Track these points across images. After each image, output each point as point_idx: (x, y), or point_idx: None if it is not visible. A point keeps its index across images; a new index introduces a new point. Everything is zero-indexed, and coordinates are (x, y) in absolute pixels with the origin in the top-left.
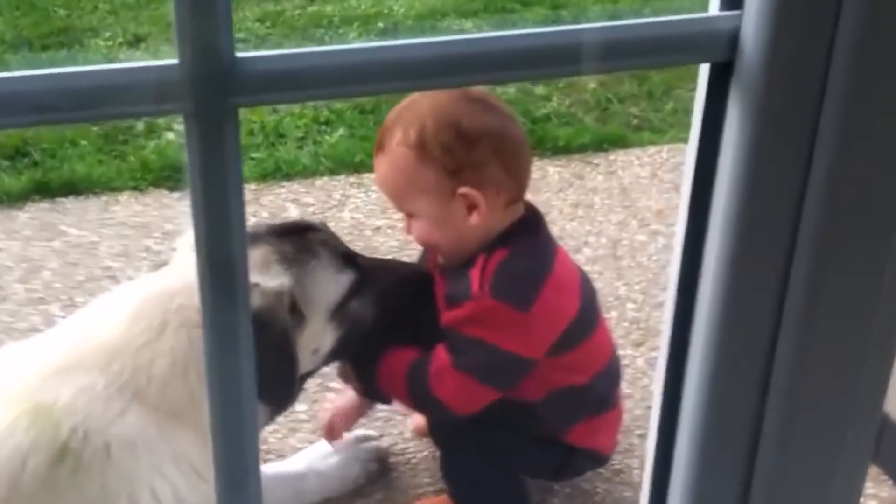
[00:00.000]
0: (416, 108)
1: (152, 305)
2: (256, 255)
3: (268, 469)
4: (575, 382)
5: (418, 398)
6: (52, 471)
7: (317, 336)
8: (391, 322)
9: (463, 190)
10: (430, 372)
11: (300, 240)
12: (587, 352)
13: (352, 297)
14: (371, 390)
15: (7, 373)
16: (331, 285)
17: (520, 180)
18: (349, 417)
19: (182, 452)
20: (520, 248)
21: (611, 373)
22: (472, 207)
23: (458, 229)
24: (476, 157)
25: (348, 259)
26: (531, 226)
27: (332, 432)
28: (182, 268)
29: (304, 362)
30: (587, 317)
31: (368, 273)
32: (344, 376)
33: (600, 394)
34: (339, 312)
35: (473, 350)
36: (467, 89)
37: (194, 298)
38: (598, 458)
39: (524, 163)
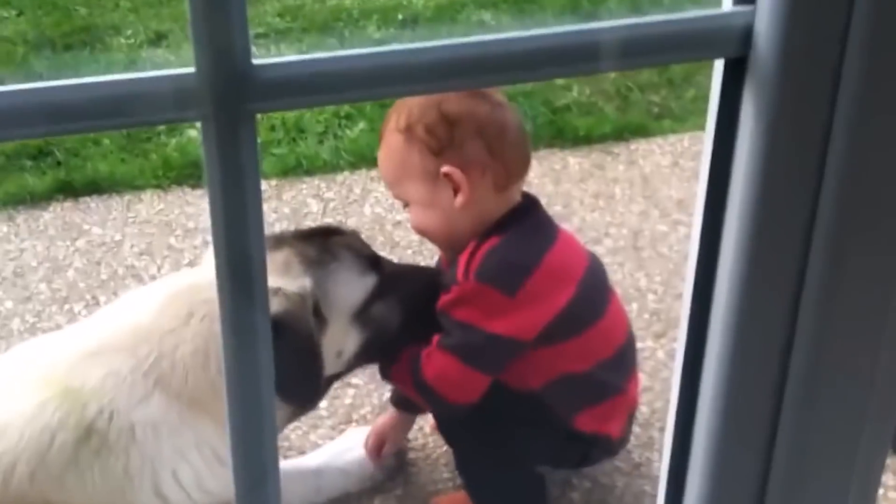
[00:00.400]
0: (408, 98)
1: (180, 296)
2: (278, 257)
3: (287, 465)
4: (573, 370)
5: (416, 385)
6: (77, 449)
7: (340, 339)
8: (416, 327)
9: (446, 169)
10: (421, 356)
11: (323, 243)
12: (588, 340)
13: (374, 300)
14: (399, 396)
15: (41, 358)
16: (352, 288)
17: (505, 163)
18: (393, 436)
19: (204, 439)
20: (511, 235)
21: (620, 361)
22: (456, 188)
23: (445, 213)
24: (457, 136)
25: (372, 262)
26: (525, 213)
27: (376, 452)
28: (211, 267)
29: (329, 365)
30: (588, 306)
31: (393, 277)
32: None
33: (605, 382)
34: (362, 315)
35: (458, 331)
36: None
37: None
38: (608, 446)
39: (511, 146)
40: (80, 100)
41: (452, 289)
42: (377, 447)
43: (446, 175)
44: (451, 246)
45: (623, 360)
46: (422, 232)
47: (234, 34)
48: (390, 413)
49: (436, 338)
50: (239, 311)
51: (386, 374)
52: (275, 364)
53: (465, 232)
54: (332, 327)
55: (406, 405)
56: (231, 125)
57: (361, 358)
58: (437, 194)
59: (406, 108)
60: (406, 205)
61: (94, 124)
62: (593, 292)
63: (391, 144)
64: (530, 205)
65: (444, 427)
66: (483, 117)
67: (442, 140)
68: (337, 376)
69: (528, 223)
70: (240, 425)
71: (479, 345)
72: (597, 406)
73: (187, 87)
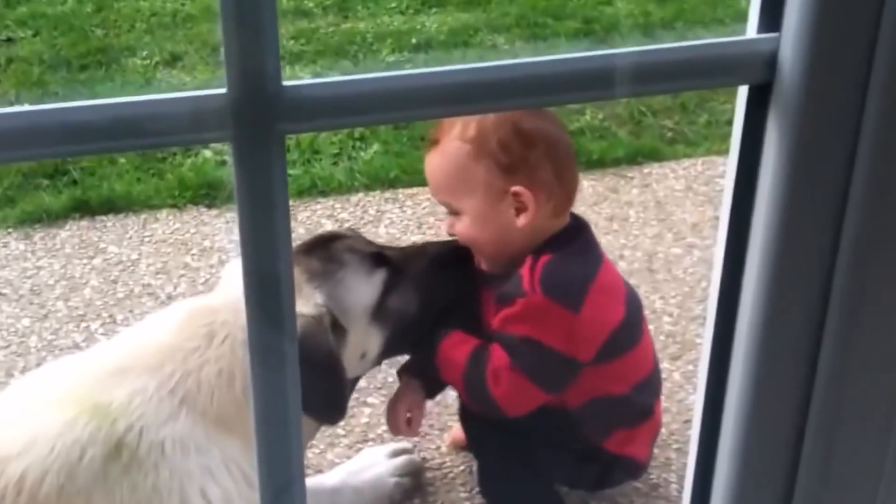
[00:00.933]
0: None
1: (198, 317)
2: None
3: None
4: (614, 392)
5: (474, 394)
6: (106, 464)
7: (362, 341)
8: (438, 303)
9: (516, 188)
10: (487, 370)
11: (325, 252)
12: (628, 363)
13: (388, 294)
14: (429, 379)
15: (67, 376)
16: (364, 289)
17: (568, 189)
18: (417, 403)
19: (232, 458)
20: (565, 252)
21: (650, 384)
22: (521, 208)
23: (502, 230)
24: (532, 157)
25: (377, 259)
26: (577, 233)
27: (406, 425)
28: (226, 291)
29: (353, 368)
30: (631, 329)
31: (401, 264)
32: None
33: (638, 405)
34: (379, 313)
35: (527, 349)
36: None
37: (237, 316)
38: (633, 468)
39: (574, 173)
40: (108, 119)
41: (517, 301)
42: (403, 420)
43: (515, 195)
44: (495, 258)
45: (652, 384)
46: (468, 242)
47: (265, 55)
48: (404, 384)
49: (496, 351)
50: (267, 331)
51: (424, 369)
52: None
53: (514, 248)
54: (353, 333)
55: (432, 387)
56: (261, 146)
57: (388, 352)
58: (496, 210)
59: (475, 117)
60: (454, 212)
61: (124, 144)
62: (634, 316)
63: (451, 152)
64: (581, 225)
65: (473, 439)
66: (554, 141)
67: (514, 158)
68: (360, 376)
69: (580, 241)
70: (266, 443)
71: (546, 364)
72: (628, 429)
73: (217, 107)
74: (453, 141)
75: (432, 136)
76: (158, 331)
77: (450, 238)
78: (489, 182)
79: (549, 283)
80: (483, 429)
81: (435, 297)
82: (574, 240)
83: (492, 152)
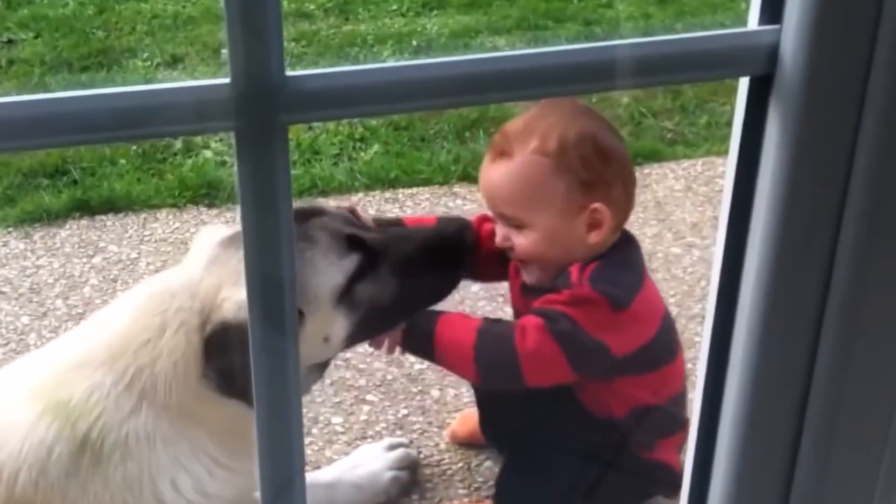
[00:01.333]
0: (551, 118)
1: (154, 303)
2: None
3: None
4: (651, 403)
5: (488, 358)
6: (75, 460)
7: (323, 326)
8: (418, 290)
9: (597, 205)
10: (514, 329)
11: (299, 228)
12: (666, 376)
13: (359, 279)
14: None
15: (31, 373)
16: (330, 272)
17: (631, 205)
18: None
19: (199, 446)
20: (615, 261)
21: (682, 396)
22: (595, 224)
23: (571, 245)
24: (609, 173)
25: (352, 242)
26: (626, 246)
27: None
28: (190, 266)
29: (317, 353)
30: (667, 343)
31: (381, 250)
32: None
33: (675, 416)
34: (346, 298)
35: (563, 321)
36: (585, 108)
37: (193, 300)
38: (671, 479)
39: (635, 188)
40: (114, 110)
41: (563, 291)
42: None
43: (594, 211)
44: (550, 272)
45: (684, 395)
46: (530, 256)
47: (269, 45)
48: None
49: (530, 317)
50: (269, 329)
51: (414, 341)
52: (242, 371)
53: (572, 262)
54: (312, 317)
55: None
56: (264, 136)
57: (359, 336)
58: (570, 226)
59: (556, 132)
60: (517, 226)
61: (129, 133)
62: (670, 332)
63: (528, 166)
64: (631, 239)
65: (497, 439)
66: (625, 156)
67: (594, 174)
68: (330, 358)
69: (628, 254)
70: (268, 441)
71: (580, 343)
72: (668, 438)
73: (221, 97)
74: (531, 155)
75: (499, 147)
76: (116, 319)
77: (447, 218)
78: (567, 198)
79: (598, 280)
80: (511, 432)
81: (415, 284)
82: (623, 252)
83: (573, 168)
